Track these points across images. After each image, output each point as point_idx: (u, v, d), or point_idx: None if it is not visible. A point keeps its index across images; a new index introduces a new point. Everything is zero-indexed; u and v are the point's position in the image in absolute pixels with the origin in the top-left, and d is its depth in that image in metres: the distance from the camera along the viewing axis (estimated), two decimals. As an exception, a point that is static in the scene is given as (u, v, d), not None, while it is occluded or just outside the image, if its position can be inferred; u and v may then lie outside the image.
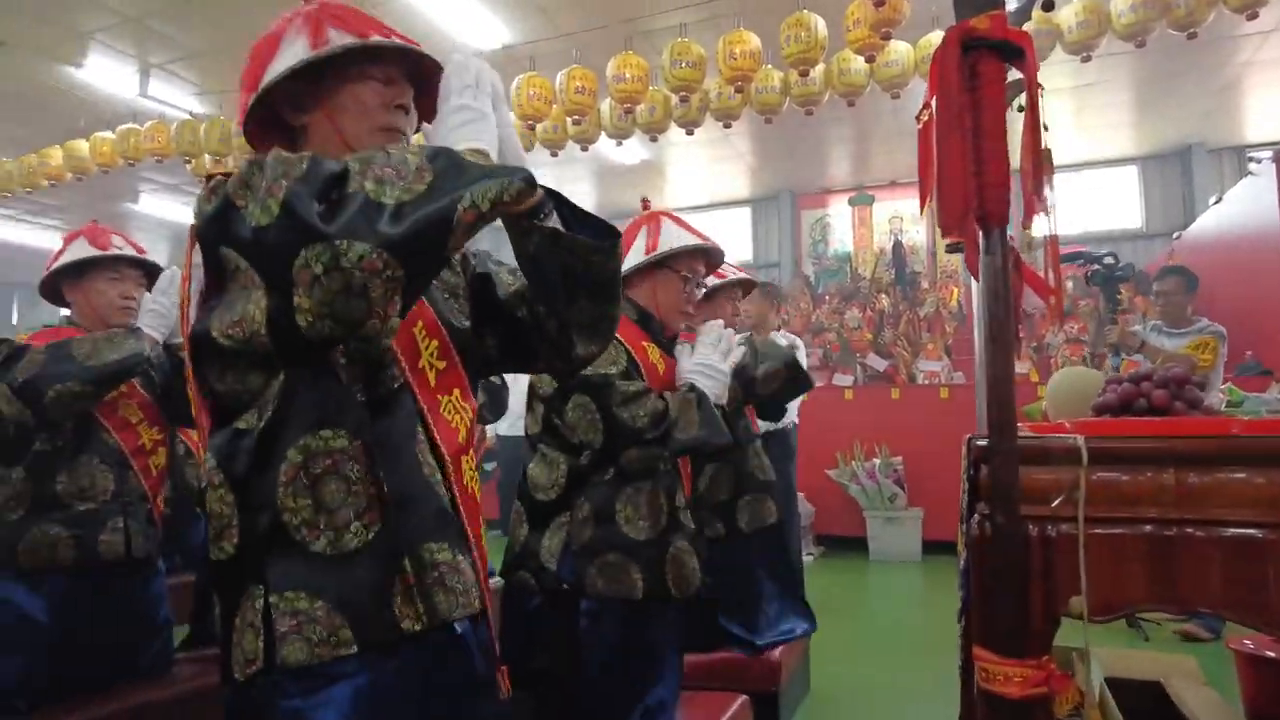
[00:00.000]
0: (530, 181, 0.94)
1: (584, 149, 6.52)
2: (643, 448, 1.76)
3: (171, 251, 13.69)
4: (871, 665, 3.30)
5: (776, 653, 2.40)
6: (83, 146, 7.12)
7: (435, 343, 1.12)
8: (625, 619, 1.75)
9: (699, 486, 2.44)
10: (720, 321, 1.98)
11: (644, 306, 1.99)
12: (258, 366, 0.97)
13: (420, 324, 1.12)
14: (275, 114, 1.13)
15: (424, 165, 0.90)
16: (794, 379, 2.42)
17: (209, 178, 0.99)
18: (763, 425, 3.77)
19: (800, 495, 5.58)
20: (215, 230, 0.94)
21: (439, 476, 1.08)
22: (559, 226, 1.08)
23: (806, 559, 5.29)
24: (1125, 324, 4.43)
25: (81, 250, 2.26)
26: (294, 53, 1.07)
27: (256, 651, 0.94)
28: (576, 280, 1.13)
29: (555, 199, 1.10)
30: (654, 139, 6.38)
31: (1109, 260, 4.46)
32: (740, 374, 2.30)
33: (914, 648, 3.51)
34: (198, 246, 0.98)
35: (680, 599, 1.80)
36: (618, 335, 1.85)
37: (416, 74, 1.15)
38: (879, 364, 7.50)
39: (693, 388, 1.83)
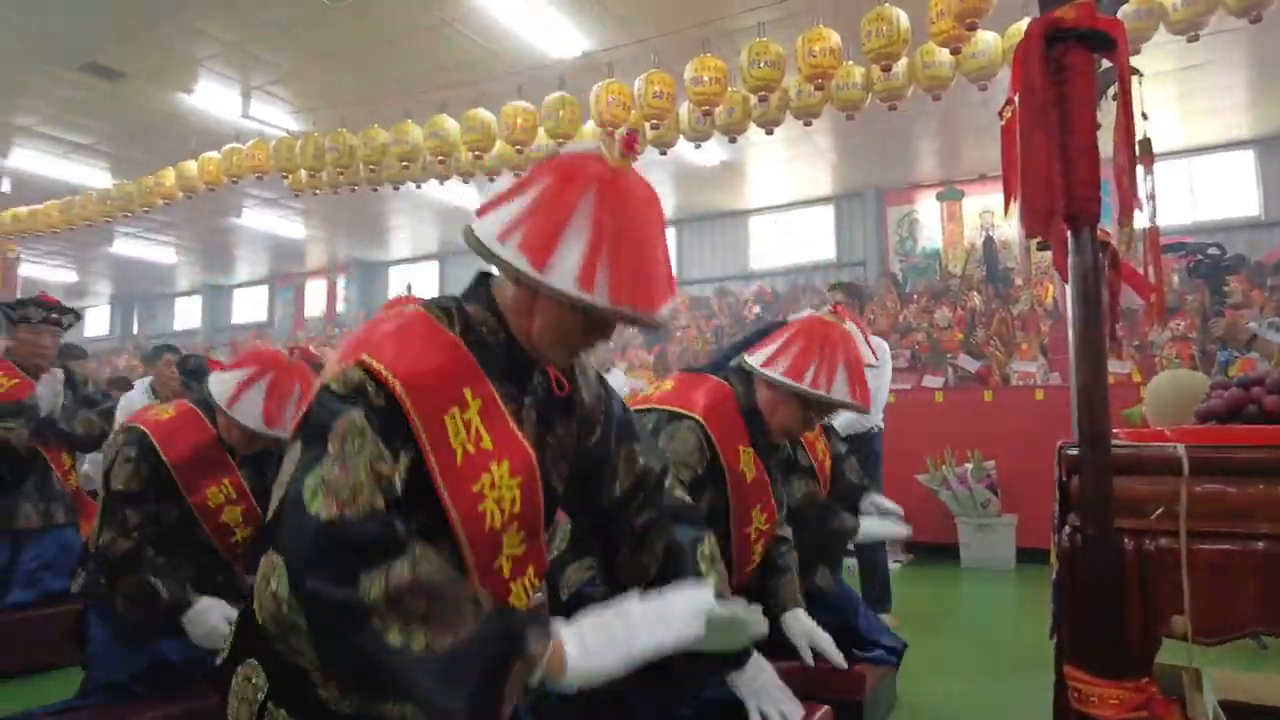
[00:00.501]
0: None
1: (662, 153, 6.53)
2: None
3: (271, 261, 14.40)
4: (961, 679, 3.18)
5: (861, 665, 2.34)
6: (192, 167, 7.57)
7: (522, 532, 1.10)
8: None
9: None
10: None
11: (758, 409, 1.93)
12: None
13: (515, 524, 1.09)
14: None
15: (458, 630, 0.90)
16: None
17: (357, 367, 0.99)
18: (844, 429, 3.71)
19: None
20: (310, 425, 0.97)
21: None
22: None
23: (894, 566, 5.16)
24: (1236, 319, 4.15)
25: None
26: (560, 266, 1.01)
27: None
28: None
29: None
30: (733, 140, 6.33)
31: (1213, 251, 4.19)
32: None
33: (1006, 662, 3.37)
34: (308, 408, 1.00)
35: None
36: (712, 433, 1.82)
37: None
38: (970, 365, 7.24)
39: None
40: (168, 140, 8.09)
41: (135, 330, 17.47)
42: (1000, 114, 1.36)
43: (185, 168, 7.67)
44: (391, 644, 0.85)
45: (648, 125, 5.99)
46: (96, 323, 18.26)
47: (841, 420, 3.89)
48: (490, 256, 1.04)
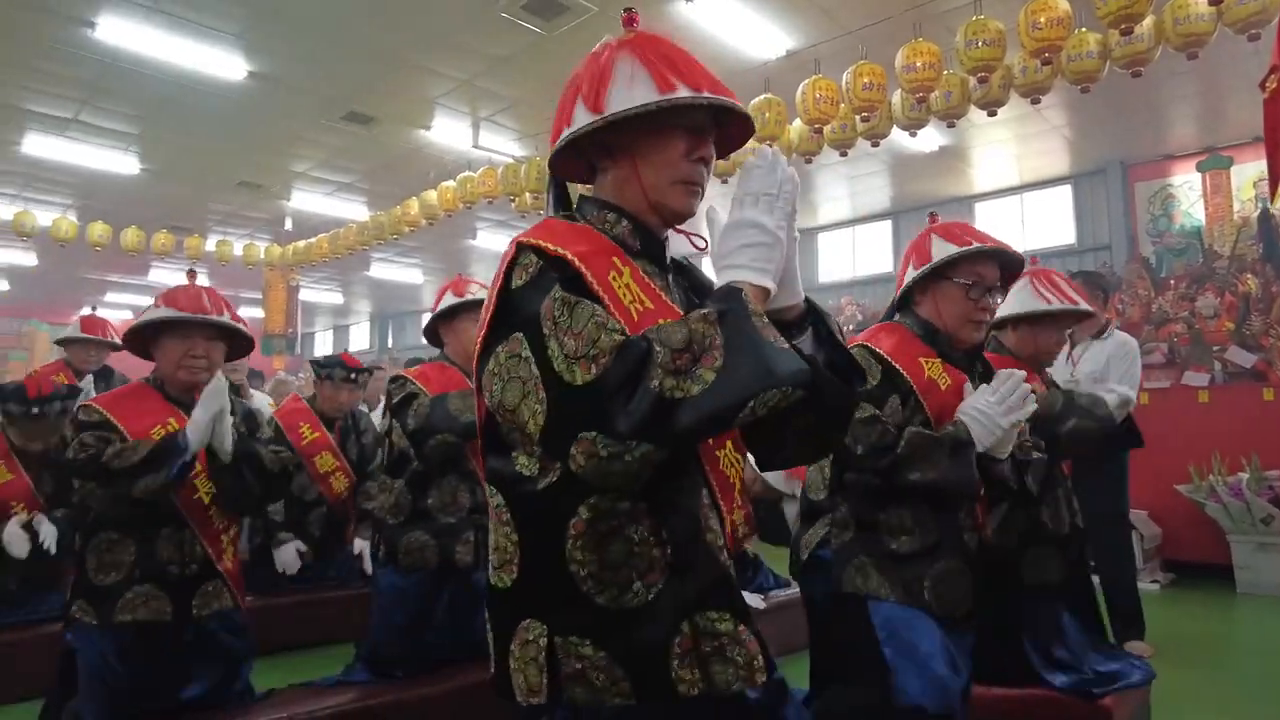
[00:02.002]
0: (808, 386, 0.95)
1: (874, 144, 6.30)
2: (861, 474, 1.77)
3: (503, 278, 15.54)
4: None
5: (1108, 698, 2.13)
6: (432, 196, 8.40)
7: None
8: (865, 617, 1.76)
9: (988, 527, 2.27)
10: (1020, 374, 1.78)
11: (928, 320, 1.93)
12: None
13: None
14: (581, 149, 1.17)
15: (716, 344, 0.93)
16: (1111, 439, 2.20)
17: (518, 247, 1.07)
18: (1119, 406, 3.37)
19: (1143, 515, 4.89)
20: (517, 316, 1.02)
21: (721, 541, 1.10)
22: (811, 352, 1.07)
23: (1150, 587, 4.63)
24: None
25: (448, 299, 2.72)
26: (626, 97, 1.08)
27: (540, 685, 1.03)
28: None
29: (815, 317, 1.14)
30: (951, 125, 5.99)
31: None
32: (1041, 427, 2.15)
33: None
34: (496, 302, 1.06)
35: (941, 616, 1.76)
36: (884, 351, 1.84)
37: (724, 117, 1.17)
38: (1244, 359, 6.32)
39: (956, 430, 1.75)
40: (411, 173, 9.03)
41: (389, 343, 19.62)
42: (1262, 85, 1.20)
43: (427, 197, 8.53)
44: (694, 391, 0.91)
45: (858, 119, 5.82)
46: (359, 337, 20.71)
47: (1117, 394, 3.57)
48: (564, 162, 1.18)
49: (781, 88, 6.09)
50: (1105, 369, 3.69)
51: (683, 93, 1.07)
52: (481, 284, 2.68)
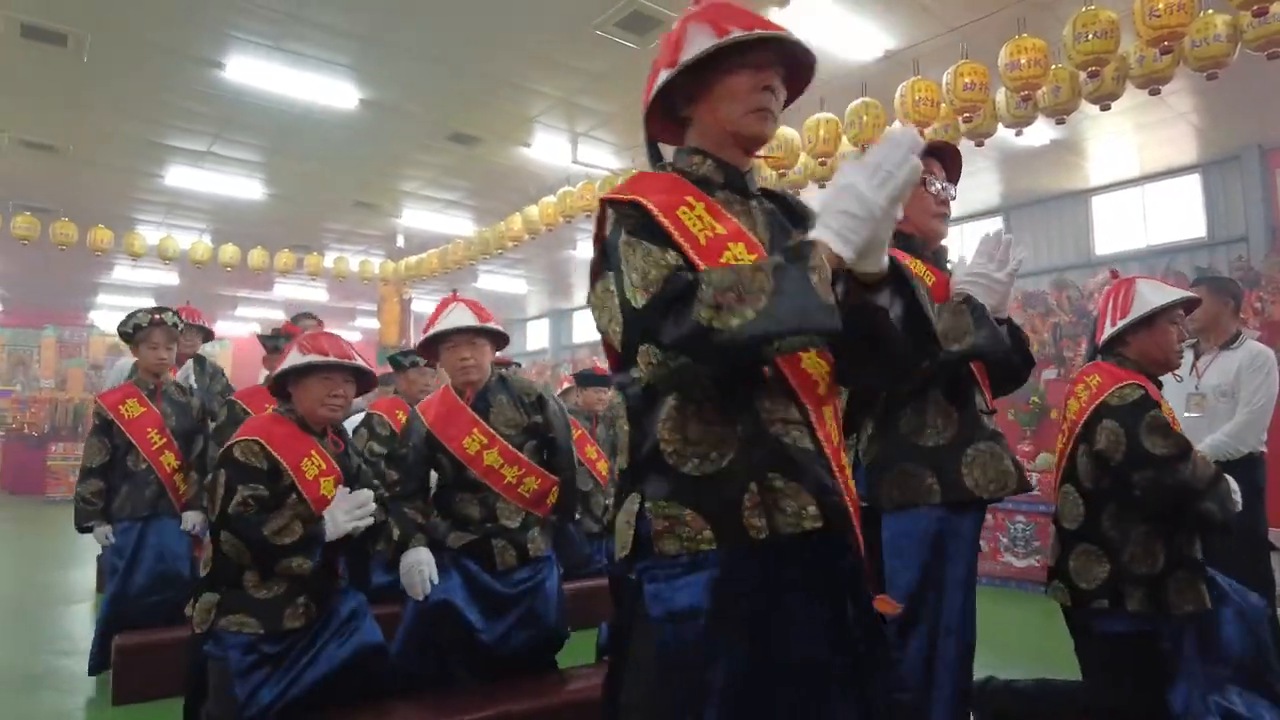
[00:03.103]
0: (833, 332, 1.15)
1: (978, 144, 6.09)
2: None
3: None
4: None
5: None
6: (533, 211, 8.63)
7: None
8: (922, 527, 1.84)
9: (1123, 555, 2.19)
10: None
11: (901, 231, 1.95)
12: None
13: None
14: (670, 107, 1.41)
15: (766, 287, 1.13)
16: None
17: (601, 203, 1.35)
18: (1214, 455, 3.19)
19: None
20: (606, 260, 1.30)
21: (790, 419, 1.29)
22: (885, 305, 1.27)
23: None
24: None
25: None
26: (693, 48, 1.31)
27: (627, 542, 1.30)
28: (873, 341, 1.32)
29: (898, 277, 1.30)
30: (1060, 121, 5.72)
31: None
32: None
33: None
34: (597, 250, 1.34)
35: (989, 498, 1.86)
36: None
37: (788, 56, 1.36)
38: (1406, 358, 5.74)
39: (966, 298, 1.85)
40: (514, 188, 9.31)
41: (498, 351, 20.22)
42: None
43: (529, 212, 8.77)
44: (732, 323, 1.11)
45: (960, 119, 5.64)
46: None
47: (1208, 444, 3.36)
48: (659, 127, 1.44)
49: (880, 89, 5.96)
50: (1234, 382, 3.45)
51: (737, 34, 1.28)
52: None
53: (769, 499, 1.25)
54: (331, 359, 2.46)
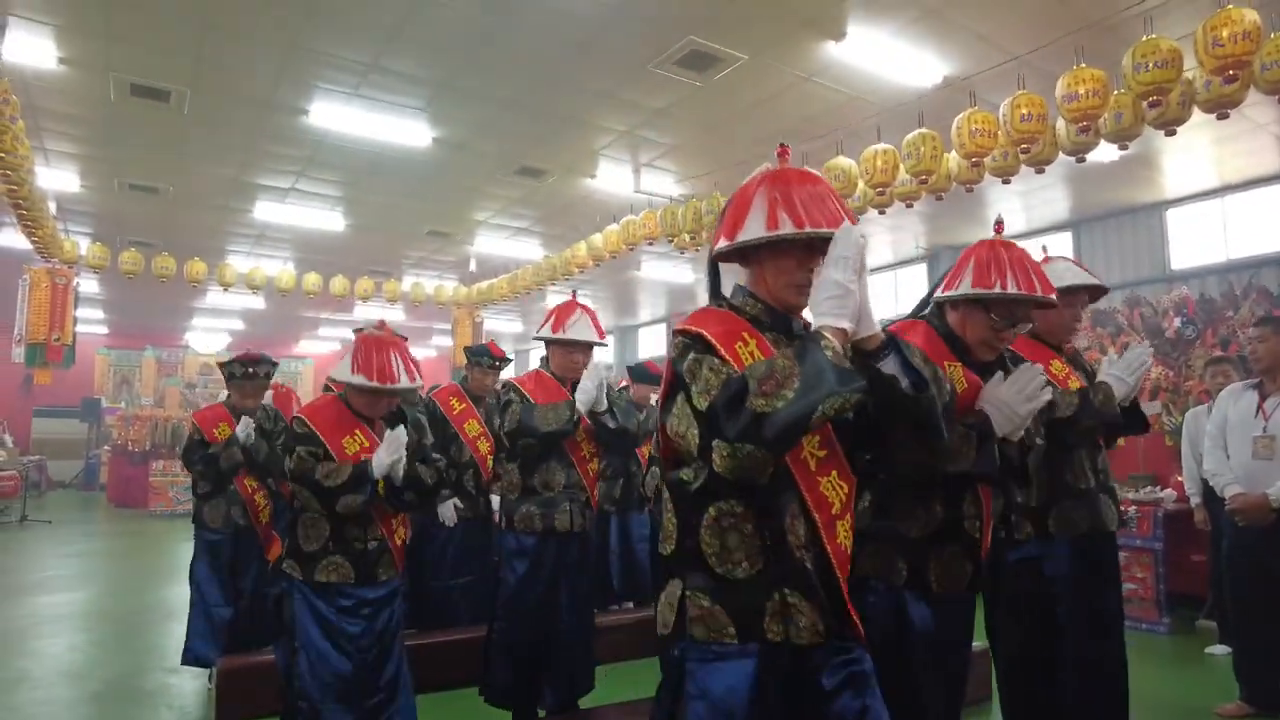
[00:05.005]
0: (864, 390, 1.39)
1: (1039, 171, 6.06)
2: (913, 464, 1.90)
3: (668, 303, 16.00)
4: None
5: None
6: (598, 239, 8.89)
7: (817, 437, 1.54)
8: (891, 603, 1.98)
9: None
10: (1038, 367, 1.98)
11: (955, 331, 2.13)
12: None
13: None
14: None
15: (794, 370, 1.36)
16: (1112, 427, 2.66)
17: (675, 334, 1.58)
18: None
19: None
20: (680, 378, 1.52)
21: (803, 540, 1.51)
22: (894, 373, 1.51)
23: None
24: None
25: (582, 331, 3.43)
26: (751, 228, 1.54)
27: (669, 622, 1.55)
28: (895, 412, 1.54)
29: (894, 345, 1.54)
30: (1124, 147, 5.66)
31: None
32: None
33: None
34: (669, 373, 1.58)
35: (940, 592, 1.98)
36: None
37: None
38: None
39: (974, 425, 1.92)
40: (580, 216, 9.60)
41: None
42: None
43: (594, 240, 9.04)
44: (779, 406, 1.34)
45: (1018, 151, 5.64)
46: (536, 362, 21.85)
47: None
48: (721, 258, 1.63)
49: (937, 117, 6.00)
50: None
51: (785, 230, 1.50)
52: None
53: (786, 610, 1.48)
54: (376, 385, 2.77)
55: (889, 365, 1.51)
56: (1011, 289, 2.01)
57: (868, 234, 1.67)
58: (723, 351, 1.50)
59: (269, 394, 4.51)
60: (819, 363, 1.36)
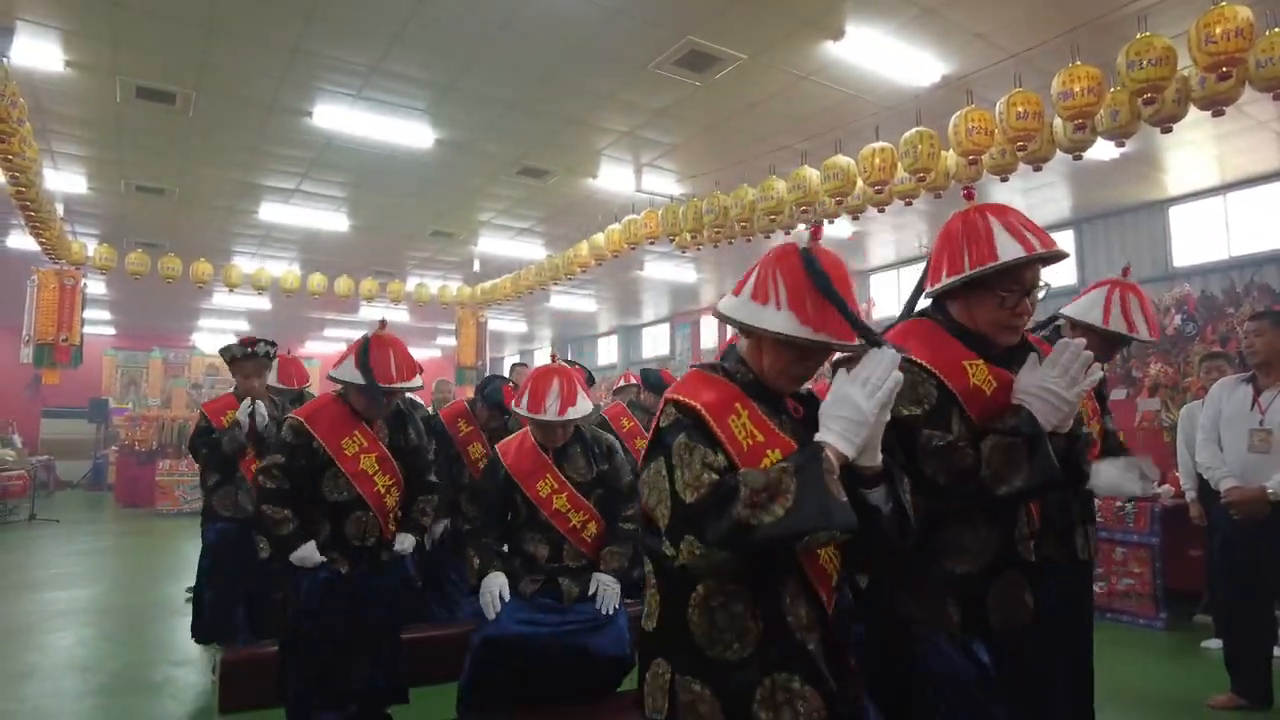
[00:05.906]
0: (852, 529, 1.31)
1: (1036, 169, 6.09)
2: (947, 501, 1.69)
3: (671, 303, 16.05)
4: None
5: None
6: (600, 239, 8.94)
7: None
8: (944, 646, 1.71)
9: None
10: (1081, 342, 1.66)
11: (962, 323, 1.82)
12: None
13: None
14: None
15: (790, 487, 1.29)
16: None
17: (666, 401, 1.50)
18: None
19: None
20: (660, 446, 1.45)
21: (805, 622, 1.42)
22: (878, 504, 1.40)
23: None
24: None
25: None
26: (766, 316, 1.44)
27: (663, 709, 1.46)
28: (867, 533, 1.40)
29: (888, 477, 1.44)
30: (1120, 144, 5.68)
31: None
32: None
33: None
34: (652, 436, 1.51)
35: (1002, 630, 1.73)
36: (925, 362, 1.75)
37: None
38: None
39: (1017, 428, 1.64)
40: (582, 217, 9.66)
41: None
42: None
43: (596, 240, 9.09)
44: (765, 521, 1.28)
45: (1014, 148, 5.67)
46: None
47: (1277, 481, 3.37)
48: (727, 320, 1.50)
49: (934, 116, 6.03)
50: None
51: (801, 334, 1.41)
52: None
53: (782, 696, 1.38)
54: (380, 386, 2.83)
55: (876, 495, 1.40)
56: (1010, 255, 1.69)
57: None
58: (715, 427, 1.42)
59: (275, 365, 4.43)
60: (817, 489, 1.28)
